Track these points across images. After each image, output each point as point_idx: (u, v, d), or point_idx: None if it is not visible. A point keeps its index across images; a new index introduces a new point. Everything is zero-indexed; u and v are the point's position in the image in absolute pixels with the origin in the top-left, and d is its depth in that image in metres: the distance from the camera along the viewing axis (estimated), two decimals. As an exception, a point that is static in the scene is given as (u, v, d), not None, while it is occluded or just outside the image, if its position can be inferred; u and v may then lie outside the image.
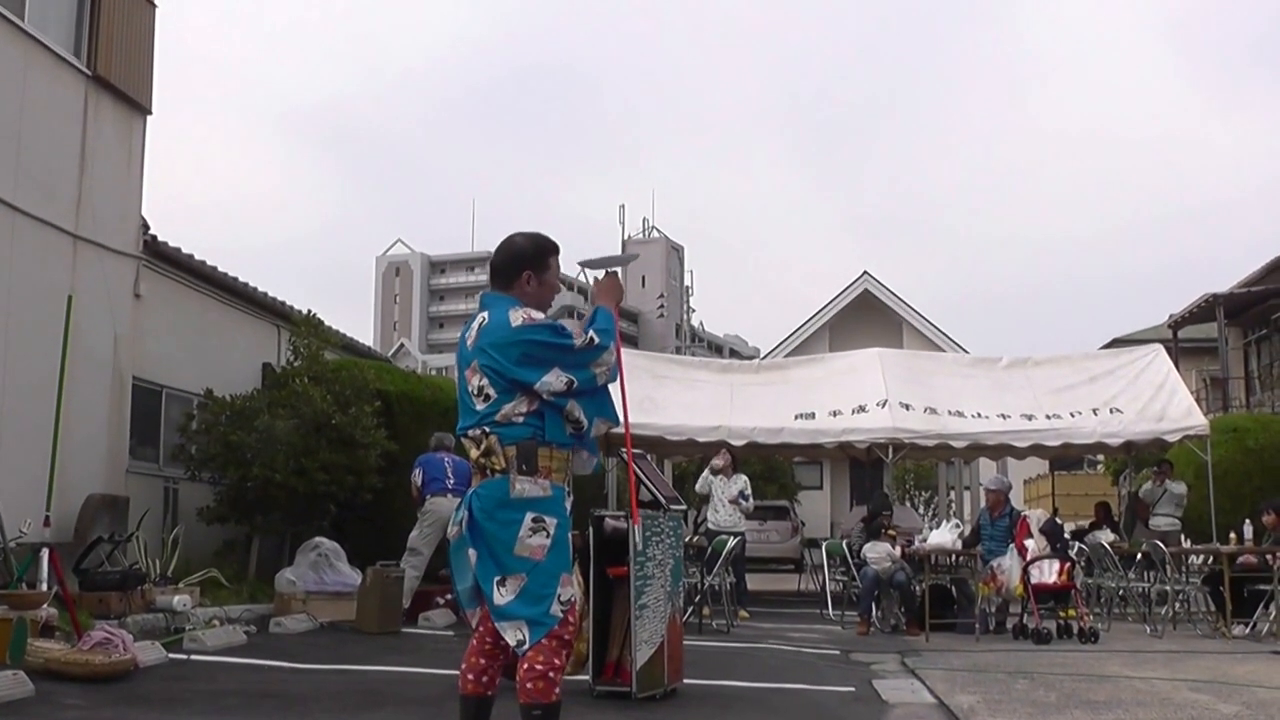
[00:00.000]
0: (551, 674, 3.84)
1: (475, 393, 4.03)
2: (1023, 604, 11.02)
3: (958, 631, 11.30)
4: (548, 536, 3.91)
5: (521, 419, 3.97)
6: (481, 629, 4.05)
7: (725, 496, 13.06)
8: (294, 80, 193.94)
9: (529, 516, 3.91)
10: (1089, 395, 14.85)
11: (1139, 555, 12.47)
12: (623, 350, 4.65)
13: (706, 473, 13.49)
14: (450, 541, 4.10)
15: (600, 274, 4.52)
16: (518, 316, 4.03)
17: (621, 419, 4.41)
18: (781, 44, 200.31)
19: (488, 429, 3.98)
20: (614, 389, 4.28)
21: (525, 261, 4.17)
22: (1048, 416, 14.52)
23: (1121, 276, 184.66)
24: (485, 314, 4.12)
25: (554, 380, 3.96)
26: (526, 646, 3.85)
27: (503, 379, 3.98)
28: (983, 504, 12.70)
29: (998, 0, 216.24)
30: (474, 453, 4.03)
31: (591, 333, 4.04)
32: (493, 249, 4.34)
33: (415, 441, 13.11)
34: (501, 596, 3.88)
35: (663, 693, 6.62)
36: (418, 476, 11.16)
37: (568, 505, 4.04)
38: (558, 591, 3.89)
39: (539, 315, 4.07)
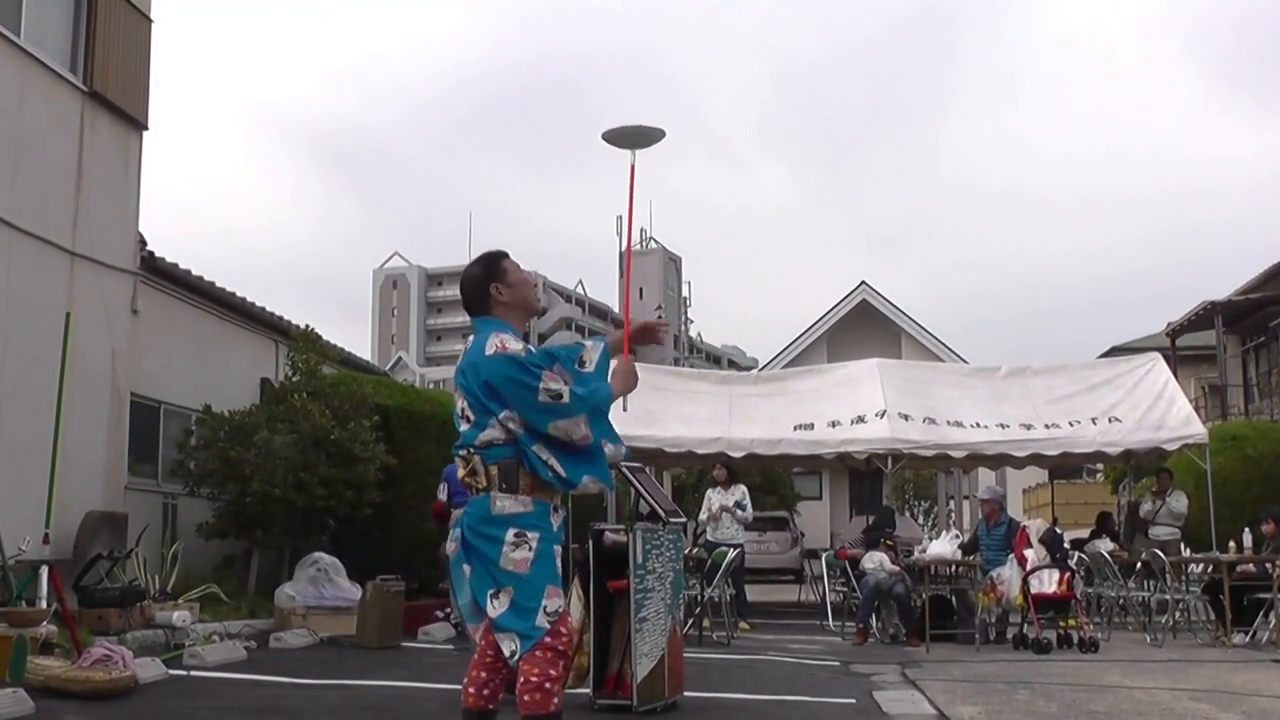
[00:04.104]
0: (548, 684, 3.89)
1: (460, 414, 4.15)
2: (1023, 614, 11.02)
3: (958, 642, 11.29)
4: (530, 550, 3.97)
5: (501, 443, 4.04)
6: (483, 642, 4.11)
7: (722, 506, 13.08)
8: (291, 94, 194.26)
9: (510, 532, 3.97)
10: (1088, 404, 14.85)
11: (1139, 564, 12.46)
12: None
13: (706, 504, 13.43)
14: (448, 557, 4.17)
15: (627, 153, 4.56)
16: (492, 344, 4.06)
17: (611, 481, 4.32)
18: (780, 54, 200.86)
19: (472, 449, 4.07)
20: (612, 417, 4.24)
21: (484, 280, 4.25)
22: (1046, 426, 14.52)
23: (1119, 285, 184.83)
24: (473, 337, 4.24)
25: (511, 416, 4.00)
26: (518, 657, 3.92)
27: (478, 403, 4.06)
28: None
29: (998, 12, 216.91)
30: (461, 471, 4.12)
31: (562, 388, 3.97)
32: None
33: (414, 456, 13.12)
34: (495, 609, 3.95)
35: (663, 705, 6.62)
36: (443, 491, 10.92)
37: (555, 520, 4.08)
38: (543, 604, 3.94)
39: (514, 345, 4.05)
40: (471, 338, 4.24)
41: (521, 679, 3.90)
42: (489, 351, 4.04)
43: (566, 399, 3.96)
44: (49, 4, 10.67)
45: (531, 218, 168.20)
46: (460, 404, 4.13)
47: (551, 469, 4.01)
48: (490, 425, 4.02)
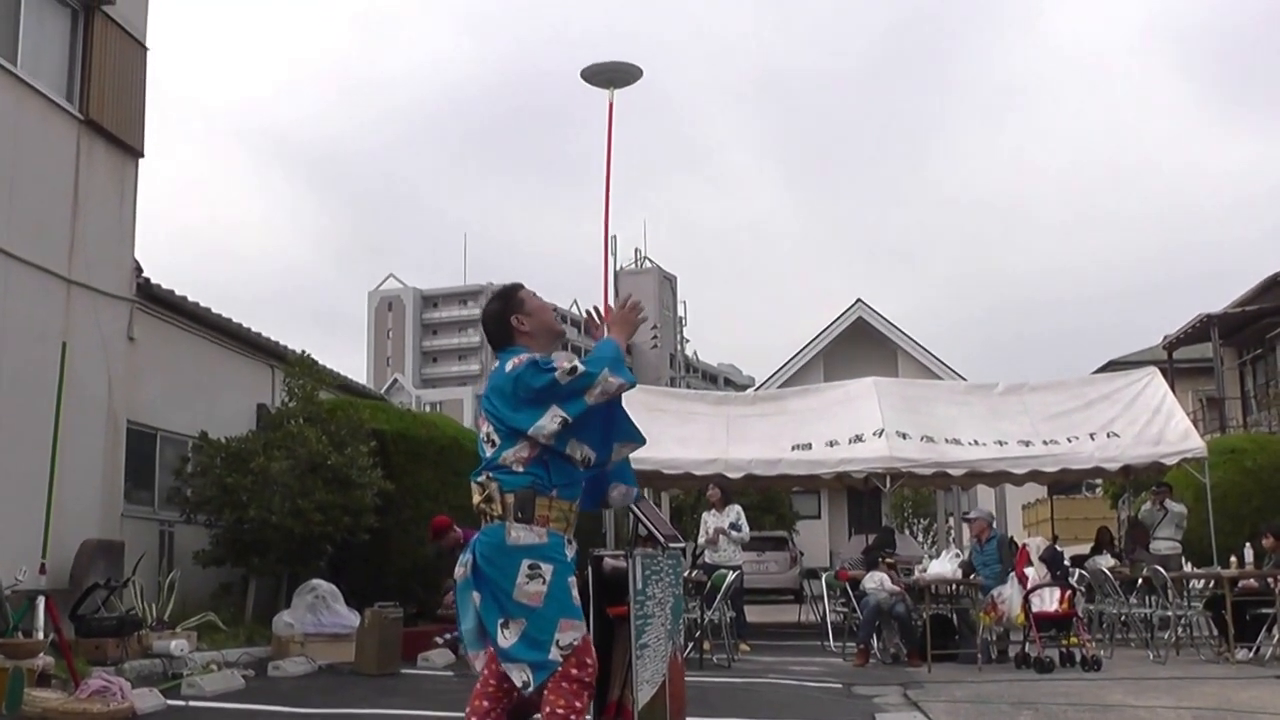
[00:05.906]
0: (573, 717, 3.92)
1: (485, 439, 4.16)
2: (1024, 632, 10.97)
3: (960, 661, 11.24)
4: (544, 583, 3.96)
5: (522, 467, 4.04)
6: (486, 670, 4.10)
7: (718, 528, 13.03)
8: (285, 117, 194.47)
9: (525, 563, 3.96)
10: (1086, 420, 14.86)
11: (1140, 580, 12.43)
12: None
13: (702, 527, 13.41)
14: (456, 583, 4.16)
15: (606, 91, 4.60)
16: (511, 363, 4.14)
17: (642, 435, 4.37)
18: (774, 72, 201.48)
19: (491, 474, 4.07)
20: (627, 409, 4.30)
21: (504, 314, 4.32)
22: (1045, 442, 14.52)
23: (1116, 298, 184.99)
24: (495, 365, 4.27)
25: (548, 422, 4.01)
26: (531, 688, 3.92)
27: (504, 425, 4.09)
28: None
29: (993, 25, 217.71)
30: (476, 498, 4.11)
31: (576, 363, 4.07)
32: (486, 282, 4.50)
33: (411, 481, 13.09)
34: (505, 639, 3.94)
35: (665, 732, 6.57)
36: None
37: (568, 552, 4.08)
38: (556, 636, 3.93)
39: (525, 356, 4.15)
40: (495, 365, 4.28)
41: (547, 710, 3.92)
42: (508, 369, 4.11)
43: (582, 367, 4.05)
44: (45, 32, 10.69)
45: (525, 235, 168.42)
46: (485, 429, 4.15)
47: (585, 458, 4.13)
48: (518, 444, 4.04)
